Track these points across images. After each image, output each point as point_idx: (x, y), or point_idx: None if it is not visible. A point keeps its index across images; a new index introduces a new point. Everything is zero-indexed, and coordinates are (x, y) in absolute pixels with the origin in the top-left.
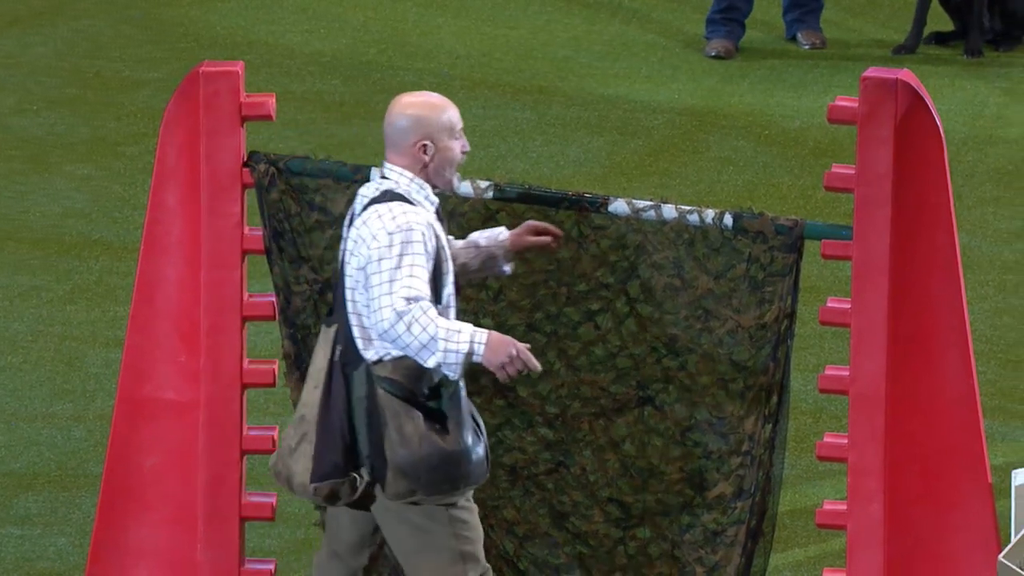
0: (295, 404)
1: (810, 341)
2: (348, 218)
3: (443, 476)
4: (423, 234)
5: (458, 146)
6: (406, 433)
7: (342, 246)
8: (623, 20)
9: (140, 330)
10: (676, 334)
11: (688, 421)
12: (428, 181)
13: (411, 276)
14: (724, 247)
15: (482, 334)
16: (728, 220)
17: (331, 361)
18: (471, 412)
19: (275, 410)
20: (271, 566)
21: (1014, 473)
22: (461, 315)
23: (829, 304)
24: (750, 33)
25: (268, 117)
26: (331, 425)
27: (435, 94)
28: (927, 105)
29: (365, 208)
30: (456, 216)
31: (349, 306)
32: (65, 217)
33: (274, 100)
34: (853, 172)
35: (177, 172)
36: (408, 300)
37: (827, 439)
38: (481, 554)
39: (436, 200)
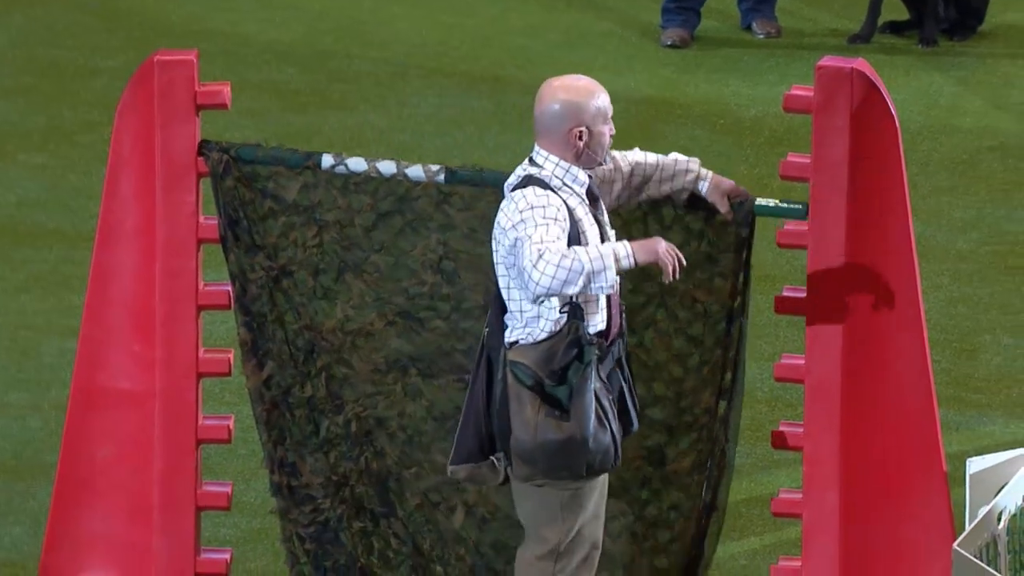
0: (252, 392)
1: (766, 330)
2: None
3: (561, 463)
4: (557, 210)
5: (608, 130)
6: (525, 419)
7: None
8: (579, 9)
9: (95, 319)
10: (632, 312)
11: (646, 398)
12: (577, 164)
13: (546, 235)
14: (676, 224)
15: (621, 244)
16: (680, 197)
17: (483, 344)
18: (605, 399)
19: (230, 399)
20: (227, 555)
21: (969, 462)
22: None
23: (785, 293)
24: (706, 22)
25: (223, 106)
26: (472, 408)
27: (585, 78)
28: (882, 94)
29: (507, 196)
30: (408, 200)
31: (500, 288)
32: (20, 206)
33: (229, 89)
34: (808, 161)
35: (132, 161)
36: (540, 250)
37: (783, 428)
38: (593, 536)
39: (585, 180)
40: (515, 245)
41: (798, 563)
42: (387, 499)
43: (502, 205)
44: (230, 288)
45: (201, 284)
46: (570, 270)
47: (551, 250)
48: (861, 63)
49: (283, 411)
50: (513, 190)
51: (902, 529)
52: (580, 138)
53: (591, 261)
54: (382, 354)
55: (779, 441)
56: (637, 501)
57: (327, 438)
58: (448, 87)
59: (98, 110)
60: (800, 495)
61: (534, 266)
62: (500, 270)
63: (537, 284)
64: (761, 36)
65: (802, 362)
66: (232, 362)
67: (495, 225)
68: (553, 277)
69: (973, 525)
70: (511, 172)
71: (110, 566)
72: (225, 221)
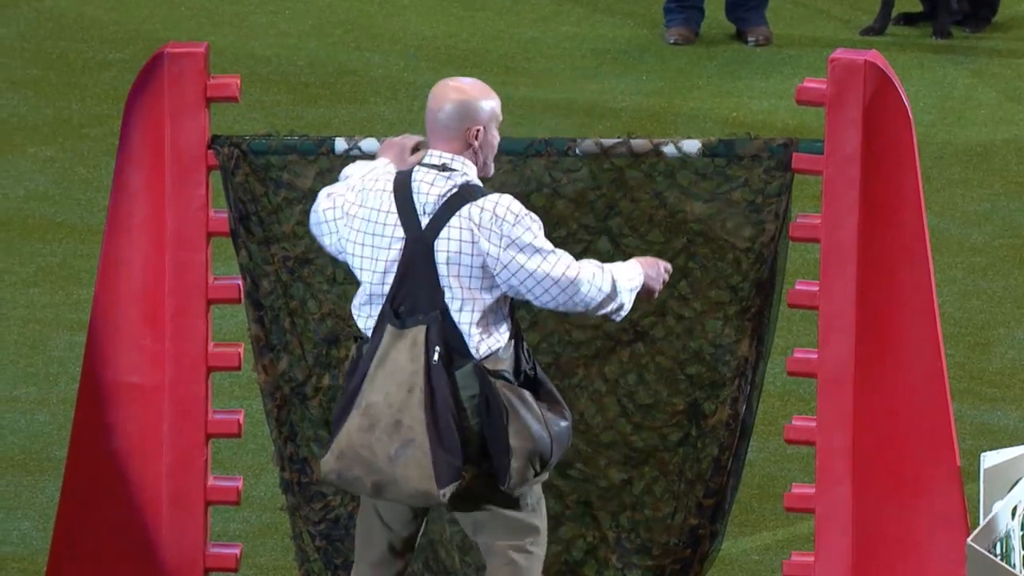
0: (264, 388)
1: (778, 324)
2: (399, 210)
3: (560, 452)
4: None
5: (498, 135)
6: (532, 419)
7: (413, 246)
8: (590, 2)
9: (104, 313)
10: (669, 261)
11: (684, 353)
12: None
13: (560, 249)
14: (714, 174)
15: (636, 261)
16: (721, 148)
17: (428, 364)
18: None
19: (240, 394)
20: (236, 550)
21: (983, 456)
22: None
23: (798, 287)
24: (714, 15)
25: (233, 98)
26: (445, 429)
27: (478, 80)
28: (895, 86)
29: (452, 207)
30: None
31: (454, 304)
32: (28, 199)
33: (239, 81)
34: (822, 154)
35: (141, 154)
36: (569, 263)
37: (795, 422)
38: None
39: None
40: (522, 256)
41: (811, 558)
42: None
43: (464, 214)
44: (240, 282)
45: (211, 278)
46: (607, 296)
47: (590, 262)
48: (874, 55)
49: (296, 405)
50: (463, 202)
51: (915, 524)
52: (476, 137)
53: (621, 288)
54: None
55: (792, 435)
56: (677, 459)
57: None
58: None
59: (107, 103)
60: (813, 490)
61: (580, 277)
62: (452, 281)
63: (573, 297)
64: (751, 43)
65: (815, 356)
66: (242, 356)
67: (461, 241)
68: (596, 291)
69: (987, 520)
70: (520, 140)
71: (119, 560)
72: (236, 216)
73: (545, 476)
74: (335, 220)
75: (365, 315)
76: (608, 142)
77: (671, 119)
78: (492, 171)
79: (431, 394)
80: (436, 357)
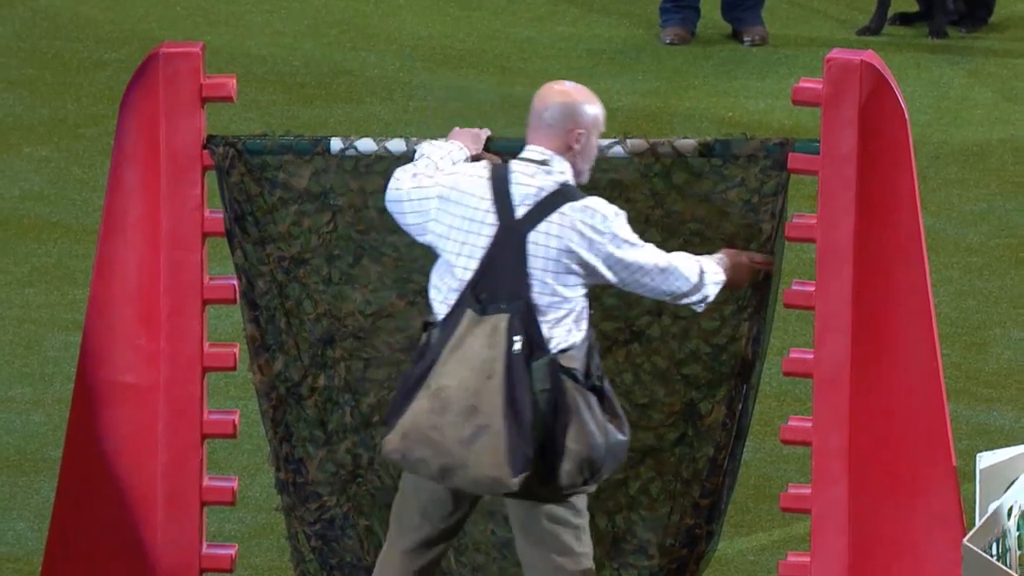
0: (260, 388)
1: (774, 324)
2: (494, 198)
3: (613, 465)
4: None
5: (596, 147)
6: (594, 424)
7: (506, 235)
8: (585, 2)
9: (99, 313)
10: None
11: (680, 353)
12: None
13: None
14: (711, 173)
15: (723, 254)
16: (717, 147)
17: (509, 352)
18: None
19: (235, 394)
20: (232, 551)
21: (979, 456)
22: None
23: (793, 287)
24: (710, 15)
25: (229, 98)
26: (522, 418)
27: (582, 86)
28: (892, 86)
29: (551, 202)
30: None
31: (539, 297)
32: (24, 199)
33: (235, 81)
34: (818, 154)
35: (137, 154)
36: (660, 252)
37: (791, 422)
38: None
39: None
40: (624, 252)
41: (807, 558)
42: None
43: (565, 212)
44: (235, 282)
45: (206, 278)
46: (710, 286)
47: (681, 253)
48: (870, 55)
49: (292, 406)
50: (564, 200)
51: (911, 524)
52: (578, 140)
53: (713, 279)
54: (406, 334)
55: (788, 435)
56: (673, 459)
57: (341, 428)
58: (454, 79)
59: (102, 103)
60: (809, 490)
61: (690, 269)
62: (539, 273)
63: (675, 283)
64: (747, 43)
65: (811, 356)
66: (237, 356)
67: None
68: (687, 279)
69: (983, 520)
70: (517, 143)
71: (114, 561)
72: (231, 216)
73: (593, 487)
74: (424, 199)
75: (441, 299)
76: (604, 142)
77: (667, 119)
78: (586, 180)
79: (510, 382)
80: (518, 347)
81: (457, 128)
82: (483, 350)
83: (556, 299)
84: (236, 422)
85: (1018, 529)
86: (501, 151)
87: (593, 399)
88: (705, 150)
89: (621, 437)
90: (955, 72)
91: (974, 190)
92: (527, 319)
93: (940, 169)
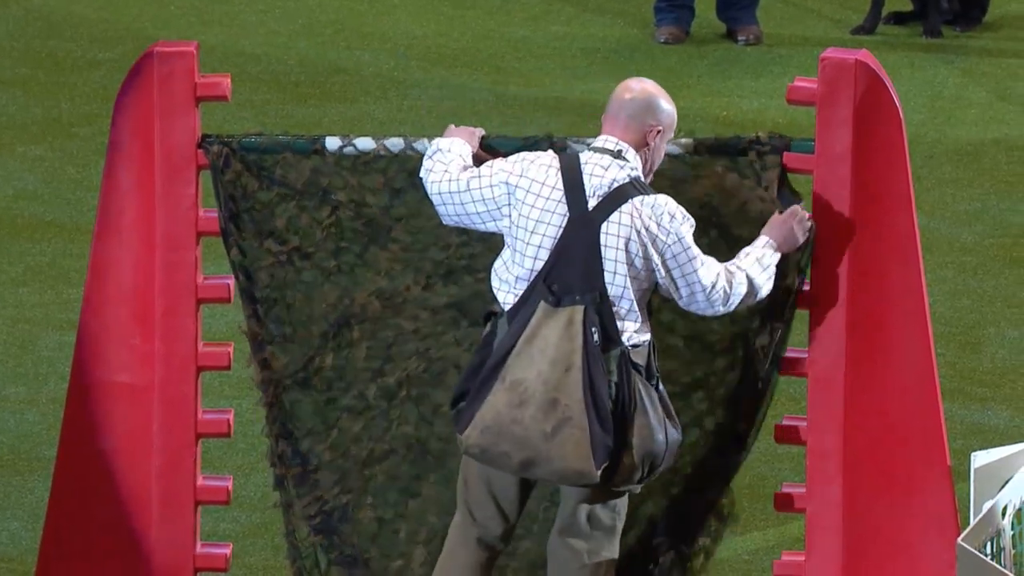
0: (260, 383)
1: None
2: (566, 188)
3: (669, 463)
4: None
5: (665, 150)
6: (656, 420)
7: (578, 226)
8: (579, 1)
9: (94, 313)
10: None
11: (693, 345)
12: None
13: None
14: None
15: (770, 224)
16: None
17: (587, 344)
18: None
19: (230, 393)
20: (226, 550)
21: (973, 456)
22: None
23: None
24: (704, 14)
25: (223, 97)
26: (603, 410)
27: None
28: (886, 86)
29: (624, 194)
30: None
31: (613, 289)
32: (17, 199)
33: (229, 80)
34: (812, 153)
35: (131, 153)
36: (718, 272)
37: (786, 422)
38: None
39: None
40: (684, 255)
41: (801, 558)
42: (424, 464)
43: (637, 204)
44: (231, 281)
45: (200, 277)
46: (761, 287)
47: (733, 269)
48: (865, 54)
49: (294, 397)
50: (638, 193)
51: (906, 524)
52: (655, 136)
53: (768, 277)
54: (430, 311)
55: (782, 435)
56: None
57: (352, 412)
58: (448, 78)
59: (96, 102)
60: (804, 490)
61: (723, 293)
62: (613, 266)
63: (725, 306)
64: (741, 42)
65: (805, 355)
66: (232, 356)
67: (632, 228)
68: (739, 298)
69: (978, 520)
70: (515, 138)
71: (108, 560)
72: (226, 215)
73: (640, 487)
74: (489, 187)
75: (507, 289)
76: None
77: None
78: (651, 180)
79: (589, 374)
80: (596, 338)
81: (452, 126)
82: (561, 342)
83: (628, 291)
84: (231, 421)
85: (1012, 528)
86: (497, 149)
87: (656, 396)
88: (703, 148)
89: (678, 436)
90: (949, 71)
91: (968, 189)
92: (602, 311)
93: (934, 168)
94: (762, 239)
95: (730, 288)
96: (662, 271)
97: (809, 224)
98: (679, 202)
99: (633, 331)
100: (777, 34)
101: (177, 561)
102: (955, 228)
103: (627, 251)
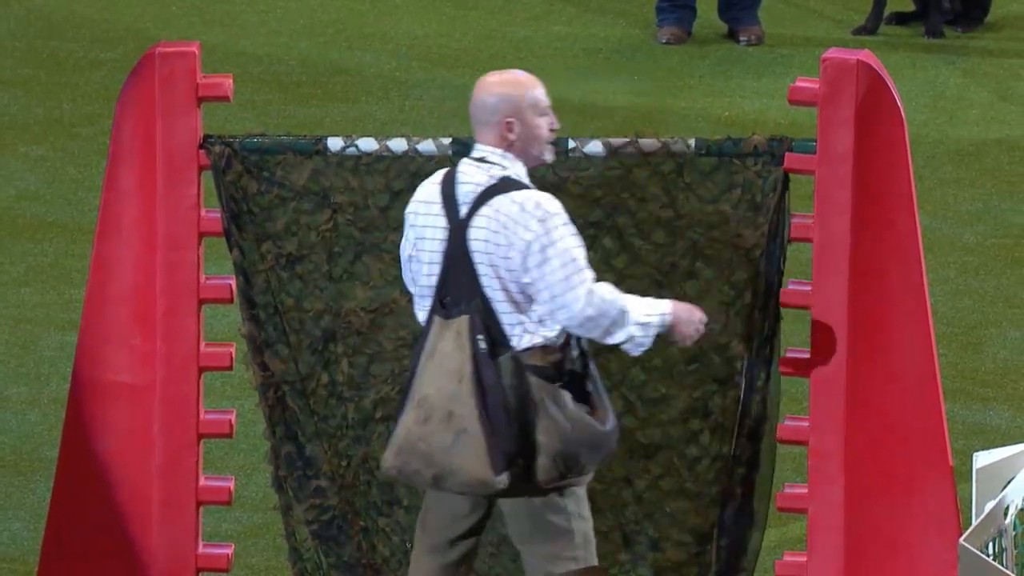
0: (259, 386)
1: None
2: (443, 201)
3: (594, 457)
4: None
5: (545, 123)
6: (563, 417)
7: (453, 236)
8: (581, 1)
9: (95, 313)
10: (674, 262)
11: (691, 350)
12: (518, 159)
13: (580, 258)
14: (717, 171)
15: (668, 304)
16: (714, 147)
17: (475, 353)
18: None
19: (232, 393)
20: (228, 550)
21: (975, 456)
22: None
23: (790, 286)
24: (706, 15)
25: (225, 98)
26: (496, 416)
27: (521, 72)
28: (888, 86)
29: (485, 198)
30: (421, 176)
31: (493, 294)
32: (19, 199)
33: (231, 81)
34: (814, 154)
35: (133, 153)
36: (590, 282)
37: (788, 422)
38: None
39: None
40: (540, 258)
41: (803, 558)
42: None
43: (495, 206)
44: (232, 282)
45: (202, 278)
46: (614, 323)
47: (605, 287)
48: (867, 55)
49: (292, 403)
50: (496, 193)
51: (908, 524)
52: (510, 130)
53: (637, 321)
54: (409, 330)
55: (784, 435)
56: (687, 458)
57: (343, 425)
58: (450, 79)
59: (98, 102)
60: (805, 490)
61: (590, 299)
62: (490, 271)
63: (576, 315)
64: (743, 42)
65: (807, 356)
66: (233, 356)
67: (490, 231)
68: (603, 317)
69: (980, 520)
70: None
71: (110, 561)
72: (228, 215)
73: (581, 481)
74: (408, 224)
75: (420, 308)
76: (616, 141)
77: (663, 119)
78: (550, 157)
79: (479, 382)
80: (483, 345)
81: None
82: (453, 353)
83: (508, 293)
84: (232, 422)
85: (1015, 529)
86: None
87: (564, 394)
88: (704, 149)
89: (601, 428)
90: (951, 72)
91: (970, 190)
92: (486, 317)
93: (936, 169)
94: (667, 302)
95: (597, 302)
96: (522, 267)
97: (696, 327)
98: (675, 209)
99: (526, 334)
100: (779, 34)
101: (179, 561)
102: (957, 228)
103: (494, 254)
